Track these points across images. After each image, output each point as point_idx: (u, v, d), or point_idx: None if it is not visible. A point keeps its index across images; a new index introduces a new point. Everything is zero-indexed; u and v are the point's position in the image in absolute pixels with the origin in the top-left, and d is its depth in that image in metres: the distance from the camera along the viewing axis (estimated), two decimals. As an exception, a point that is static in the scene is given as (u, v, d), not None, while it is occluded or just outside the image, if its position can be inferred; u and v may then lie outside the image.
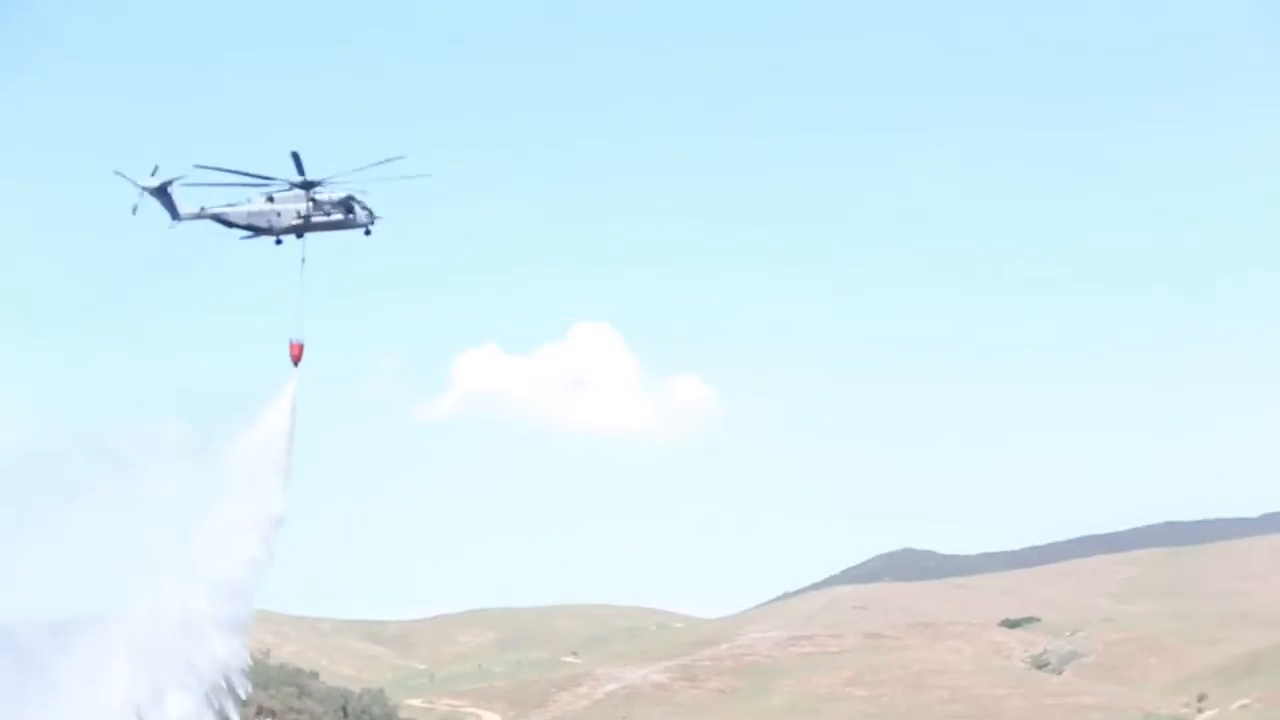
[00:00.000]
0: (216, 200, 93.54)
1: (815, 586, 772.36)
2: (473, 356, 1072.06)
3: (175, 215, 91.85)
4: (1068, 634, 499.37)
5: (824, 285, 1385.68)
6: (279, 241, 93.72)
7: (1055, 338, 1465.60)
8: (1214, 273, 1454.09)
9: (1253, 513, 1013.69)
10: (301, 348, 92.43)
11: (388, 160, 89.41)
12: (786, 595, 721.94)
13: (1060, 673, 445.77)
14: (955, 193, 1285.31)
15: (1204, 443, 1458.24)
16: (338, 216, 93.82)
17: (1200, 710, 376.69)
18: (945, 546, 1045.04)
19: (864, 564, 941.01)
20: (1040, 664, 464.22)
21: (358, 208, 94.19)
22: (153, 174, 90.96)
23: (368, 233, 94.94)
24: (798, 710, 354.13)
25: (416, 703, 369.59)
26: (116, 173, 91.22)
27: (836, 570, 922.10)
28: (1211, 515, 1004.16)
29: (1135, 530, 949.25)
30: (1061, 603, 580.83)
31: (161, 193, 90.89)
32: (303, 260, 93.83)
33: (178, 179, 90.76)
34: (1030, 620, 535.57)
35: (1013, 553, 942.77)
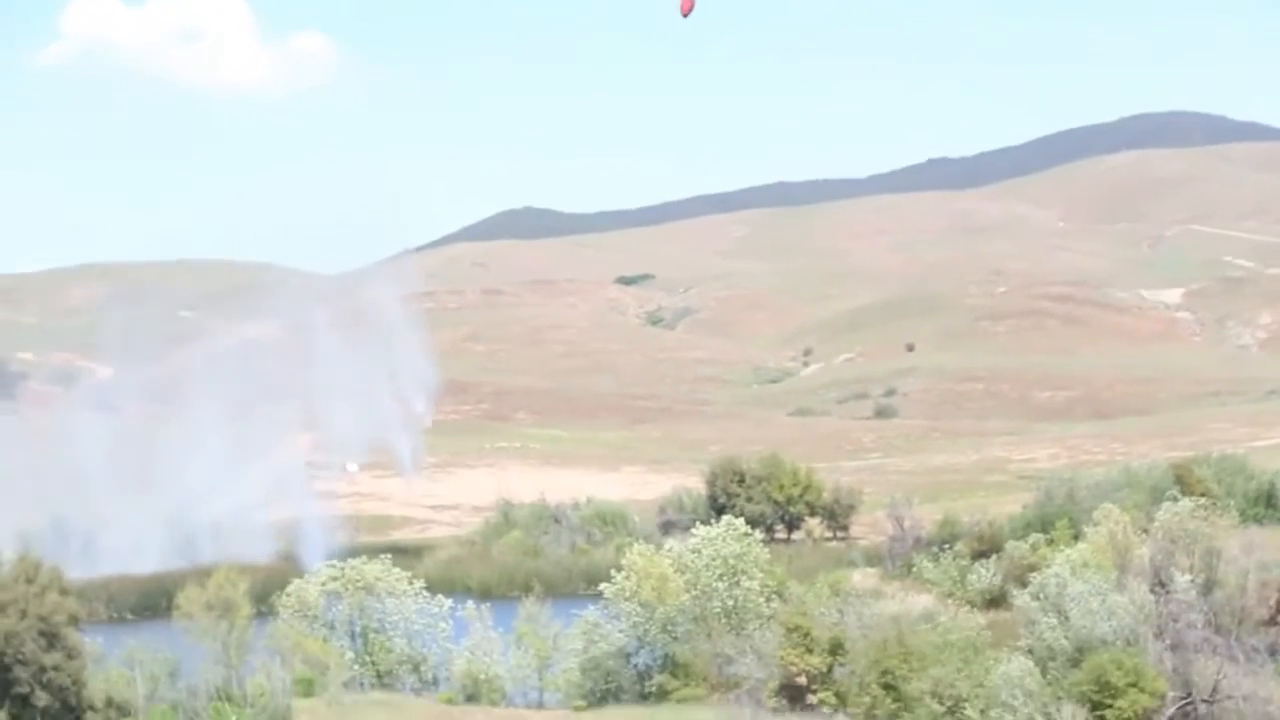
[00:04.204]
0: None
1: (435, 244, 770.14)
2: (83, 4, 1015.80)
3: None
4: (681, 291, 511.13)
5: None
6: None
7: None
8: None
9: (860, 174, 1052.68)
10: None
11: None
12: (406, 252, 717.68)
13: (674, 328, 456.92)
14: None
15: (814, 104, 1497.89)
16: None
17: (806, 364, 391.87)
18: (565, 205, 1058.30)
19: (484, 221, 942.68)
20: (654, 320, 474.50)
21: None
22: None
23: None
24: (412, 363, 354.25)
25: (28, 356, 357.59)
26: None
27: (456, 228, 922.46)
28: (820, 176, 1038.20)
29: (747, 190, 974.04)
30: (675, 260, 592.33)
31: None
32: None
33: None
34: (645, 277, 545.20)
35: (629, 211, 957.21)
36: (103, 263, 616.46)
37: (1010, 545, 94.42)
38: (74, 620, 50.18)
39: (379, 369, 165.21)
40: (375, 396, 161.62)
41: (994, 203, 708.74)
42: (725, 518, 68.53)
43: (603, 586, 64.67)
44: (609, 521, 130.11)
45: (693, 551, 64.71)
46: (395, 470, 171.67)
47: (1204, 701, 53.73)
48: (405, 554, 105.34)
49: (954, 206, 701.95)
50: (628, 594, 62.70)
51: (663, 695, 59.65)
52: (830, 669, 57.03)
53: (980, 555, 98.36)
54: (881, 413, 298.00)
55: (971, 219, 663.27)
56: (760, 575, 64.79)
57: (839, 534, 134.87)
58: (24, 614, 48.01)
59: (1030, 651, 57.90)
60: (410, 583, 65.90)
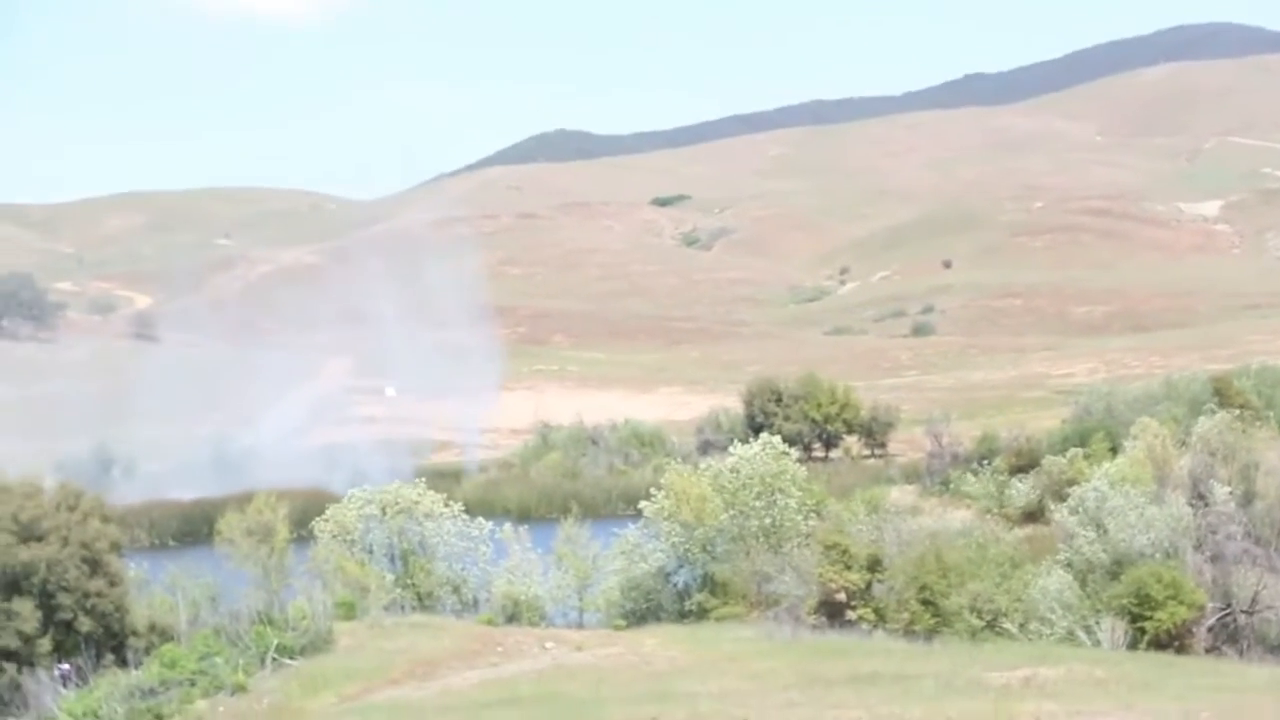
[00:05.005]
0: None
1: (470, 168, 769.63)
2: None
3: None
4: (717, 211, 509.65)
5: None
6: None
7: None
8: None
9: (895, 91, 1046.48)
10: None
11: None
12: (441, 177, 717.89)
13: (710, 249, 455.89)
14: None
15: (849, 22, 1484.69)
16: None
17: (843, 283, 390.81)
18: (598, 127, 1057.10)
19: (518, 145, 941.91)
20: (690, 241, 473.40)
21: None
22: None
23: None
24: (452, 287, 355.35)
25: (66, 286, 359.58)
26: None
27: (490, 152, 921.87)
28: (855, 94, 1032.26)
29: (782, 109, 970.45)
30: (711, 181, 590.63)
31: None
32: None
33: None
34: (680, 198, 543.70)
35: (664, 132, 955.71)
36: (138, 192, 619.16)
37: (1048, 460, 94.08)
38: (116, 547, 50.40)
39: (421, 295, 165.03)
40: (416, 323, 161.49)
41: (1030, 118, 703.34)
42: (763, 436, 68.20)
43: (642, 505, 64.64)
44: (646, 442, 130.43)
45: (731, 471, 64.56)
46: (440, 395, 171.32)
47: (1243, 613, 53.58)
48: (444, 477, 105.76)
49: (990, 123, 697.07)
50: (667, 514, 62.70)
51: (702, 613, 59.76)
52: (869, 585, 57.00)
53: (1018, 470, 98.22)
54: (919, 330, 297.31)
55: (1007, 135, 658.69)
56: (798, 493, 64.57)
57: (877, 452, 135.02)
58: (66, 541, 48.30)
59: (1069, 565, 57.76)
60: (448, 505, 65.96)
